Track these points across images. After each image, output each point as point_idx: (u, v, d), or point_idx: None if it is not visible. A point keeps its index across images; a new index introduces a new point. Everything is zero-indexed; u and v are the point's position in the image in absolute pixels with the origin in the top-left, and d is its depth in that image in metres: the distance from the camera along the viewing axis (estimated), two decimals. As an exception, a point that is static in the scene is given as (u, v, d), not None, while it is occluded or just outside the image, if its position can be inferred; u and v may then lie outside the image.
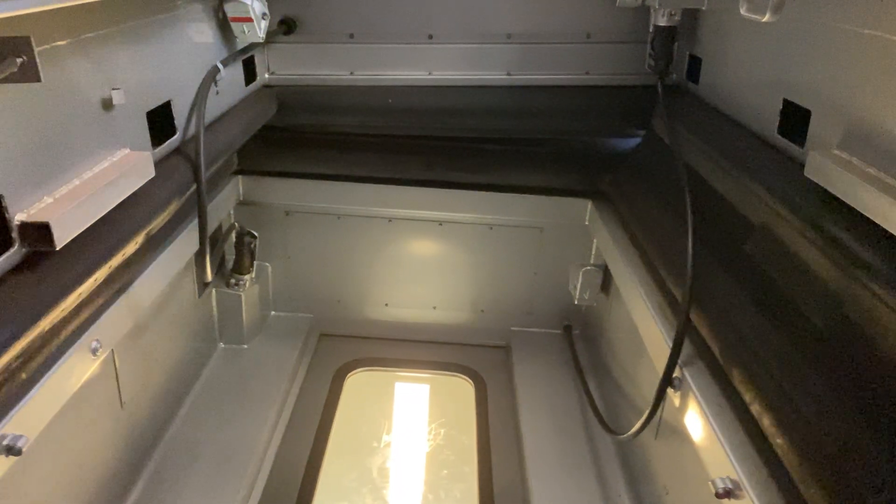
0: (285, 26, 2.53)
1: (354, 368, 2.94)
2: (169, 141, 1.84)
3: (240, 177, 2.74)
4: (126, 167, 1.51)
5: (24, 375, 1.37)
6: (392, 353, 3.06)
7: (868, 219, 1.39)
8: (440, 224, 2.91)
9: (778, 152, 1.87)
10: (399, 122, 2.72)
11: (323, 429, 2.57)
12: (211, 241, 2.30)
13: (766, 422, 1.28)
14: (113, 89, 1.54)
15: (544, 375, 2.83)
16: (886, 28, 1.41)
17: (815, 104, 1.70)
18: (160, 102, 1.79)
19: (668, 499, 1.93)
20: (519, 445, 2.51)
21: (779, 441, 1.24)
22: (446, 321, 3.11)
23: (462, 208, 2.81)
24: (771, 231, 1.67)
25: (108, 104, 1.53)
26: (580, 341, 3.02)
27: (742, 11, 1.79)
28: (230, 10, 2.16)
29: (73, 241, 1.29)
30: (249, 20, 2.17)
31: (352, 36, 2.60)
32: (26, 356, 1.33)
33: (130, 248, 1.59)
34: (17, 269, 1.22)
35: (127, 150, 1.59)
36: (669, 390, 1.65)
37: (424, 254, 2.98)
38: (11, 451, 1.31)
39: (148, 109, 1.73)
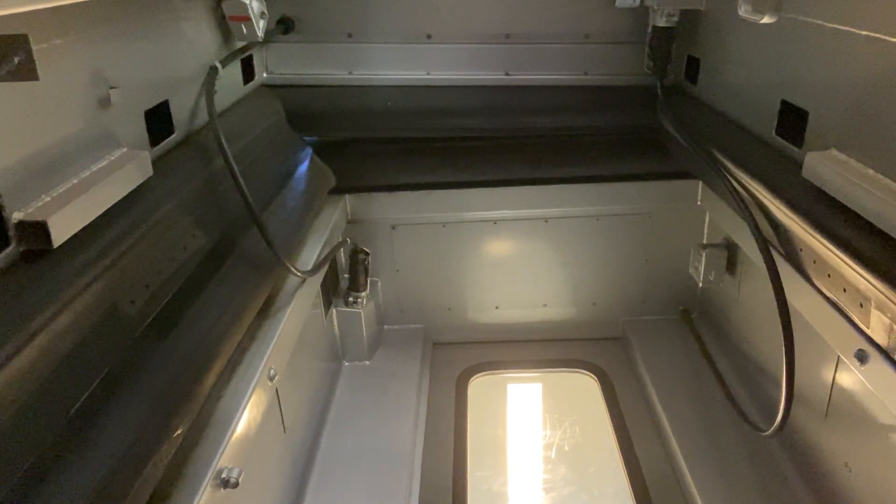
0: (283, 25, 2.53)
1: (475, 373, 2.92)
2: (167, 140, 1.84)
3: (346, 196, 2.72)
4: (123, 166, 1.51)
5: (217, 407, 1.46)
6: (508, 354, 3.04)
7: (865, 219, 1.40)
8: (546, 221, 2.87)
9: (776, 153, 1.87)
10: (397, 122, 2.72)
11: (459, 435, 2.57)
12: (328, 262, 2.34)
13: None
14: (110, 88, 1.53)
15: (671, 363, 2.76)
16: (883, 29, 1.42)
17: (813, 105, 1.71)
18: (158, 102, 1.79)
19: (852, 476, 1.87)
20: (663, 435, 2.46)
21: None
22: (557, 318, 3.08)
23: (569, 202, 2.78)
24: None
25: (105, 103, 1.53)
26: (701, 325, 2.94)
27: (740, 12, 1.80)
28: (228, 9, 2.15)
29: (70, 239, 1.29)
30: (248, 19, 2.16)
31: (350, 35, 2.59)
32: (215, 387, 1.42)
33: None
34: (13, 267, 1.22)
35: (124, 149, 1.58)
36: (851, 365, 1.56)
37: (531, 252, 2.96)
38: (228, 484, 1.35)
39: (146, 109, 1.73)
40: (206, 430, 1.41)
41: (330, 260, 2.39)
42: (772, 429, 1.81)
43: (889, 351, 1.33)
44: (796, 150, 1.78)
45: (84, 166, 1.44)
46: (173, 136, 1.87)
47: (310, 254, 2.23)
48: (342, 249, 2.76)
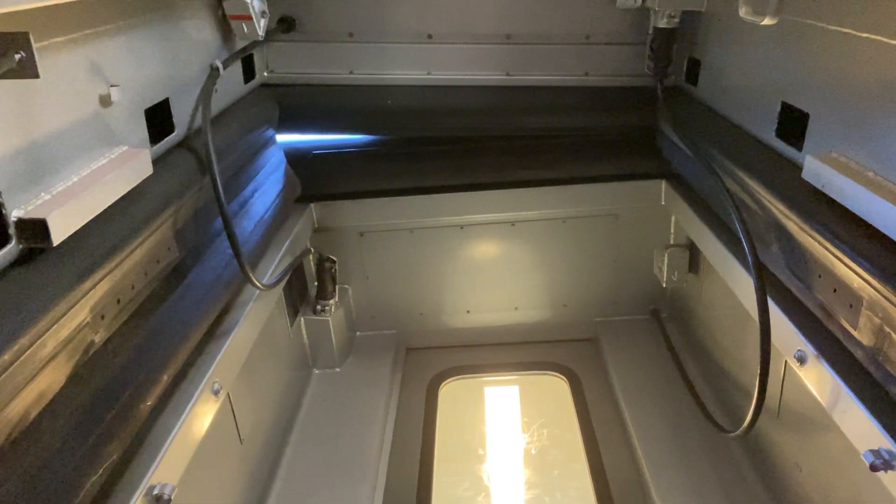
0: (285, 24, 2.53)
1: (446, 378, 2.93)
2: (167, 139, 1.83)
3: (312, 204, 2.73)
4: (124, 164, 1.50)
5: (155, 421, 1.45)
6: (480, 358, 3.05)
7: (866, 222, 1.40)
8: (512, 224, 2.89)
9: (776, 155, 1.87)
10: (397, 122, 2.72)
11: (427, 441, 2.57)
12: (294, 272, 2.31)
13: None
14: (111, 86, 1.53)
15: (639, 364, 2.77)
16: (884, 31, 1.42)
17: (813, 107, 1.71)
18: (158, 100, 1.79)
19: (803, 475, 1.90)
20: (628, 437, 2.47)
21: None
22: (530, 320, 3.09)
23: (534, 206, 2.79)
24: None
25: (105, 101, 1.53)
26: (670, 324, 2.96)
27: (741, 14, 1.80)
28: (229, 8, 2.15)
29: (70, 238, 1.29)
30: (249, 18, 2.16)
31: (351, 35, 2.59)
32: (156, 399, 1.42)
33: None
34: (13, 265, 1.22)
35: (125, 148, 1.58)
36: (793, 365, 1.59)
37: (500, 256, 2.97)
38: (161, 500, 1.34)
39: (146, 107, 1.73)
40: (141, 448, 1.41)
41: (291, 270, 2.38)
42: (740, 430, 1.82)
43: (874, 351, 1.33)
44: (797, 152, 1.78)
45: (84, 164, 1.44)
46: (173, 134, 1.87)
47: (271, 264, 2.23)
48: (309, 258, 2.76)
